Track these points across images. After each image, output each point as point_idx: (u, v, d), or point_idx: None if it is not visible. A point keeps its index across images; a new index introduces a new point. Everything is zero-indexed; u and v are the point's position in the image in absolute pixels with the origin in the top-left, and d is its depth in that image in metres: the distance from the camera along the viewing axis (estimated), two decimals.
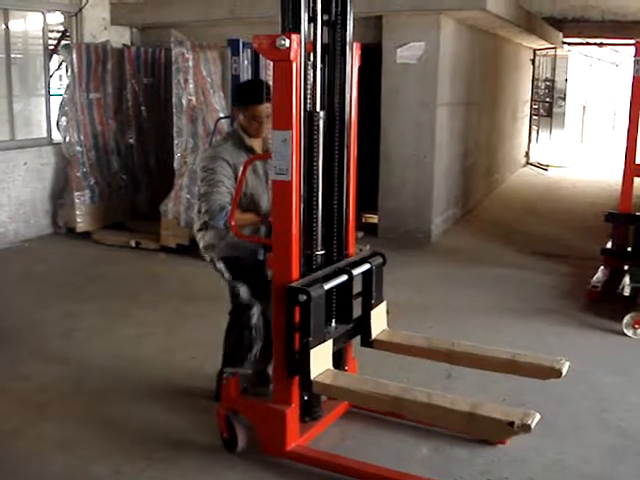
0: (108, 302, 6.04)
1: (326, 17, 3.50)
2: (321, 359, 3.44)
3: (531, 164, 15.29)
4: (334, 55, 3.57)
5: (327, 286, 3.45)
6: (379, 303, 3.90)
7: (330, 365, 3.52)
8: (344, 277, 3.59)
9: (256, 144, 4.00)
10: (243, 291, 4.04)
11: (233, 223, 3.64)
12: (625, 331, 5.42)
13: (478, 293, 6.45)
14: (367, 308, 3.83)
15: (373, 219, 8.76)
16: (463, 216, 9.73)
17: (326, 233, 3.68)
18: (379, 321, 3.91)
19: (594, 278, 6.47)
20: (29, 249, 8.01)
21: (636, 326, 5.39)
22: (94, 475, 3.51)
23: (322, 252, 3.63)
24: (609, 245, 6.70)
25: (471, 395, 4.22)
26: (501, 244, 8.33)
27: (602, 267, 6.66)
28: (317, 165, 3.50)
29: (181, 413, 4.11)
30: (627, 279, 6.11)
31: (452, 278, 6.97)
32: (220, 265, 4.05)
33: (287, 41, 3.13)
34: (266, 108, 3.83)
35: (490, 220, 9.84)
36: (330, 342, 3.53)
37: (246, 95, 3.96)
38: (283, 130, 3.26)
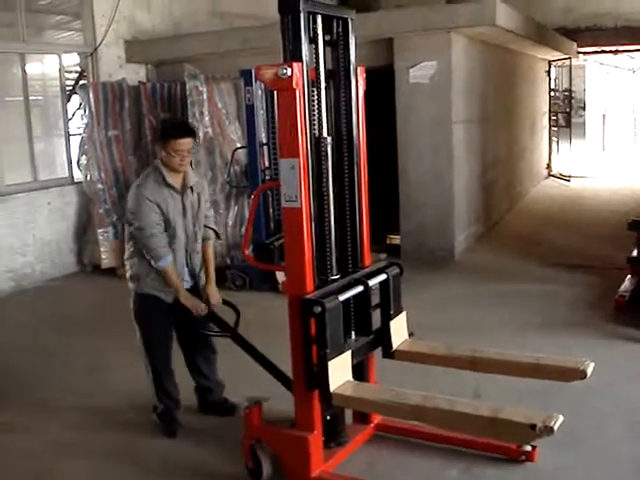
0: (134, 337, 6.05)
1: (328, 37, 3.53)
2: (340, 371, 3.41)
3: (553, 176, 15.19)
4: (339, 79, 3.60)
5: (342, 297, 3.44)
6: (398, 313, 3.87)
7: (350, 377, 3.49)
8: (360, 288, 3.58)
9: (176, 181, 4.10)
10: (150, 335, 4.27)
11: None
12: None
13: (502, 310, 6.38)
14: (386, 319, 3.81)
15: (397, 240, 8.73)
16: (486, 232, 9.67)
17: (341, 249, 3.69)
18: (399, 331, 3.88)
19: (621, 287, 6.38)
20: (56, 288, 8.09)
21: None
22: None
23: (337, 276, 3.63)
24: (635, 253, 6.60)
25: None
26: (525, 258, 8.25)
27: (629, 276, 6.56)
28: (327, 190, 3.51)
29: (209, 445, 4.11)
30: None
31: (476, 296, 6.91)
32: (134, 302, 4.26)
33: (289, 70, 3.15)
34: (186, 142, 3.99)
35: (513, 234, 9.76)
36: (349, 353, 3.51)
37: (166, 130, 4.11)
38: (290, 158, 3.28)
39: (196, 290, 4.27)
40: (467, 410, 3.17)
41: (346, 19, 3.59)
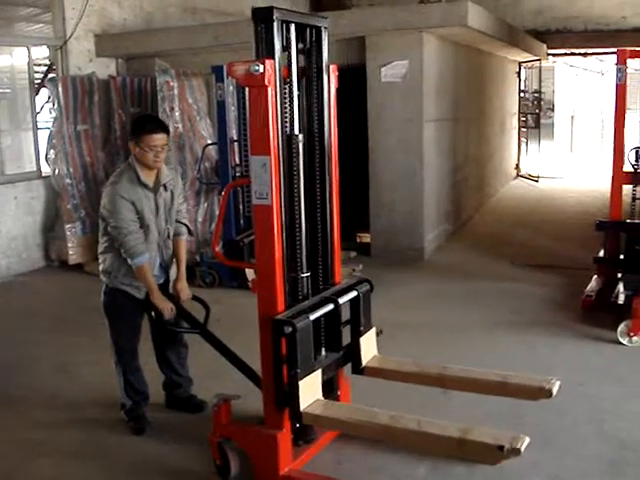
0: (102, 334, 5.98)
1: (301, 45, 3.52)
2: (310, 390, 3.43)
3: (522, 176, 15.32)
4: (311, 78, 3.59)
5: (313, 316, 3.45)
6: (368, 330, 3.89)
7: (320, 395, 3.52)
8: (330, 306, 3.59)
9: (150, 179, 4.07)
10: (119, 330, 4.24)
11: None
12: (620, 339, 5.40)
13: (471, 309, 6.42)
14: (356, 335, 3.83)
15: (367, 238, 8.75)
16: (455, 231, 9.72)
17: (311, 259, 3.69)
18: (369, 348, 3.90)
19: (588, 287, 6.44)
20: (22, 283, 7.98)
21: (631, 334, 5.36)
22: None
23: (307, 274, 3.62)
24: (601, 254, 6.67)
25: (468, 410, 4.23)
26: (494, 258, 8.31)
27: (595, 276, 6.64)
28: (298, 188, 3.50)
29: (176, 443, 4.08)
30: (621, 287, 6.08)
31: (445, 294, 6.94)
32: (105, 296, 4.21)
33: (261, 67, 3.14)
34: (160, 138, 3.95)
35: (482, 234, 9.83)
36: (319, 372, 3.53)
37: (141, 126, 4.05)
38: (262, 155, 3.26)
39: (167, 286, 4.24)
40: (435, 431, 3.19)
41: (319, 27, 3.59)
